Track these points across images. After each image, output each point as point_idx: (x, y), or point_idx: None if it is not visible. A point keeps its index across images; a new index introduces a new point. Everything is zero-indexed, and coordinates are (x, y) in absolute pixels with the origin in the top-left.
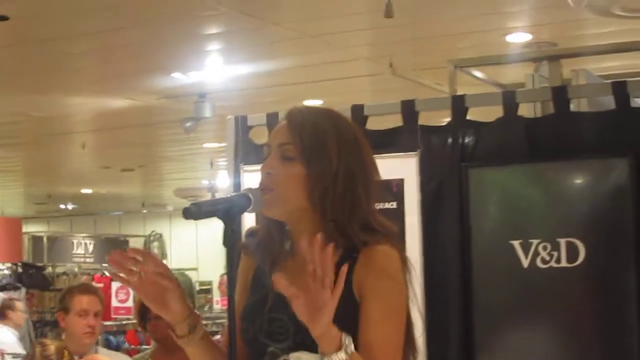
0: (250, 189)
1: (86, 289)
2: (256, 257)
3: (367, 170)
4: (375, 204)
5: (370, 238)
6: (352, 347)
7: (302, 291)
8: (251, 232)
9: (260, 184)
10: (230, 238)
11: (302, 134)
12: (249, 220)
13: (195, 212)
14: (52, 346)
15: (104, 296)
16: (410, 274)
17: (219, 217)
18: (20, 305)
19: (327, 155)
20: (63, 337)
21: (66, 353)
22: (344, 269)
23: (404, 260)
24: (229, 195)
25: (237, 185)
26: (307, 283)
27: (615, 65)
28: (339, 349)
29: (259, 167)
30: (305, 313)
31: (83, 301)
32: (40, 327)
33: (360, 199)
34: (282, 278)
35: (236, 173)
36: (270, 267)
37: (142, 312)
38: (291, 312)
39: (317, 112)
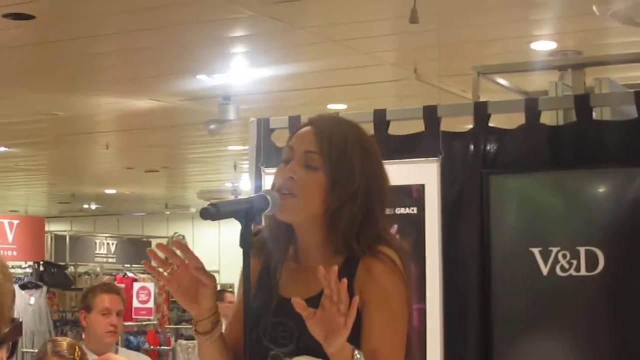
0: (268, 191)
1: (109, 288)
2: (262, 257)
3: (383, 188)
4: (396, 209)
5: (370, 249)
6: None
7: (317, 311)
8: (255, 232)
9: (281, 187)
10: (248, 239)
11: (330, 145)
12: None
13: (213, 212)
14: (64, 342)
15: (126, 296)
16: (409, 278)
17: (237, 219)
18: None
19: (352, 171)
20: (83, 336)
21: (77, 349)
22: (356, 299)
23: (404, 264)
24: (247, 197)
25: (258, 187)
26: (324, 303)
27: None
28: None
29: None
30: (320, 333)
31: (106, 300)
32: (61, 326)
33: (375, 215)
34: (301, 301)
35: (257, 175)
36: (274, 270)
37: None
38: (296, 316)
39: (344, 124)
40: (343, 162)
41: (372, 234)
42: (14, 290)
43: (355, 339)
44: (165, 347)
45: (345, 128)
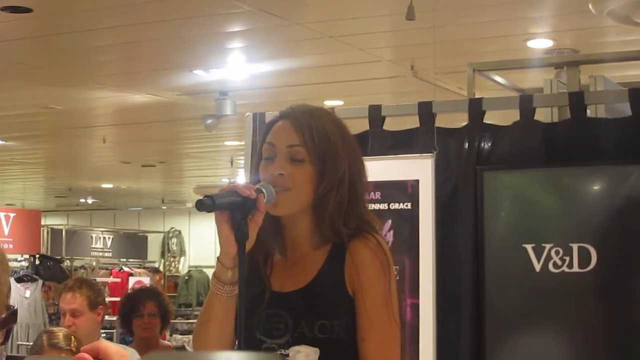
0: (263, 184)
1: (67, 286)
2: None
3: (363, 170)
4: (390, 204)
5: (356, 232)
6: None
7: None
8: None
9: (272, 184)
10: (243, 232)
11: (312, 137)
12: None
13: (209, 204)
14: (60, 333)
15: (102, 292)
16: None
17: (232, 211)
18: None
19: (337, 157)
20: None
21: (73, 340)
22: None
23: (386, 246)
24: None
25: (255, 182)
26: None
27: (636, 73)
28: None
29: None
30: None
31: (63, 300)
32: (56, 320)
33: (360, 196)
34: None
35: (253, 169)
36: (263, 263)
37: (129, 307)
38: (289, 308)
39: (317, 113)
40: (327, 150)
41: (357, 215)
42: (9, 281)
43: (348, 324)
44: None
45: (320, 116)
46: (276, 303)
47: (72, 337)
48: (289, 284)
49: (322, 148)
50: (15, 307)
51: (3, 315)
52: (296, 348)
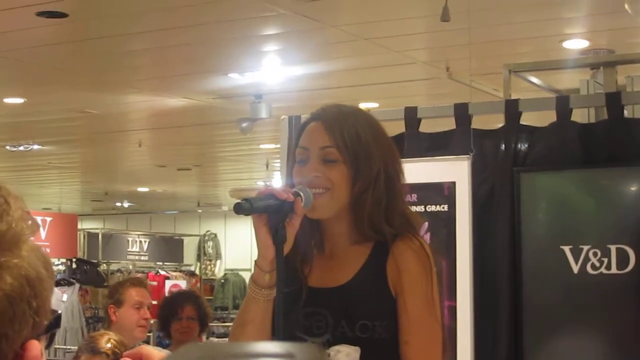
0: (301, 187)
1: (138, 282)
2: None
3: (400, 168)
4: (427, 206)
5: (400, 231)
6: None
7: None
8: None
9: (309, 186)
10: (281, 235)
11: (343, 136)
12: None
13: (247, 207)
14: (101, 339)
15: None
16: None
17: (270, 214)
18: None
19: (370, 157)
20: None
21: (112, 342)
22: None
23: (428, 249)
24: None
25: (290, 185)
26: None
27: None
28: None
29: None
30: None
31: (137, 293)
32: (93, 323)
33: (398, 195)
34: None
35: (288, 172)
36: (301, 262)
37: (168, 311)
38: (329, 306)
39: (349, 112)
40: (359, 149)
41: (399, 213)
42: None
43: (390, 325)
44: None
45: (351, 115)
46: (314, 300)
47: (112, 340)
48: (327, 280)
49: (354, 148)
50: (60, 312)
51: (48, 321)
52: (337, 347)
